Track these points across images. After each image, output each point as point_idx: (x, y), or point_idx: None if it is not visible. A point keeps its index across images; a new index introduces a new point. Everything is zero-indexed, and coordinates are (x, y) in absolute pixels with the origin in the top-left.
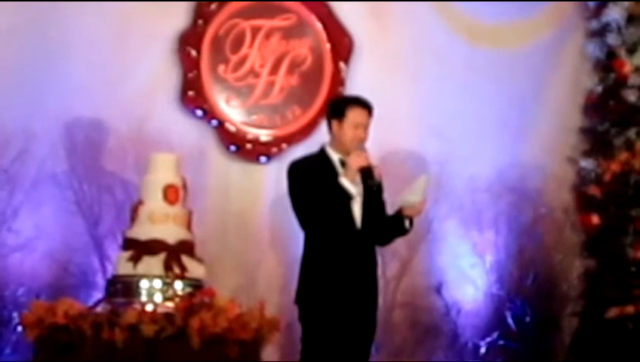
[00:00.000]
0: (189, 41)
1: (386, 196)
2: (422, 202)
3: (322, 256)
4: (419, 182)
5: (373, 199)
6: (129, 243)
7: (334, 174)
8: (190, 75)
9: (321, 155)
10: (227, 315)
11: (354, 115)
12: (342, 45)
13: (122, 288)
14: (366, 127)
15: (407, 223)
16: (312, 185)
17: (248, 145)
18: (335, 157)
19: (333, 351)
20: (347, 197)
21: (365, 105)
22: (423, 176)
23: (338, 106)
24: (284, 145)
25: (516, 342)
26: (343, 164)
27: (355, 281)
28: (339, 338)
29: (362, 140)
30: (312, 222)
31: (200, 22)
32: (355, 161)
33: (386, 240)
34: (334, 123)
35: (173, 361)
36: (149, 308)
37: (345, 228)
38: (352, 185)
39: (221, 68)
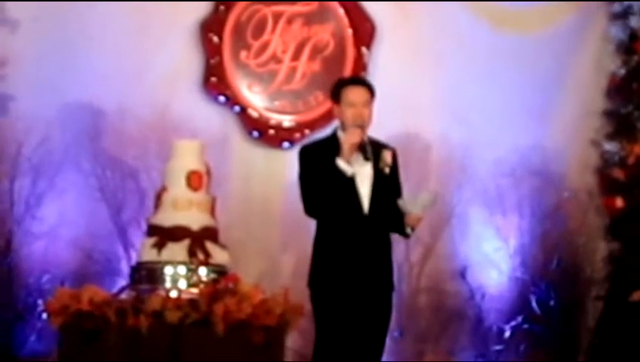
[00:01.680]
0: (210, 28)
1: (410, 182)
2: (417, 217)
3: (330, 240)
4: (423, 197)
5: (385, 182)
6: (153, 230)
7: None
8: (212, 61)
9: (333, 138)
10: (251, 301)
11: (347, 94)
12: (364, 30)
13: (146, 275)
14: (364, 105)
15: (408, 229)
16: (315, 167)
17: (271, 131)
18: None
19: (345, 335)
20: (347, 178)
21: (358, 83)
22: (427, 194)
23: (335, 91)
24: (306, 131)
25: (540, 326)
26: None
27: (363, 265)
28: (349, 323)
29: (359, 117)
30: (311, 205)
31: (222, 8)
32: (347, 139)
33: (393, 231)
34: (336, 108)
35: (197, 347)
36: (174, 294)
37: (349, 211)
38: (347, 165)
39: (243, 54)
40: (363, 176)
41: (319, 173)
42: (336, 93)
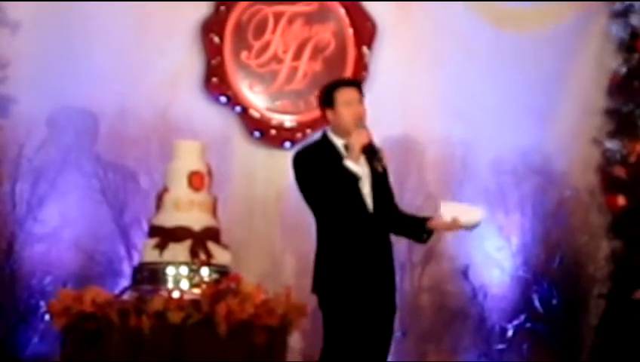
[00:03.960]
0: (211, 28)
1: (410, 180)
2: (450, 226)
3: (337, 242)
4: (477, 213)
5: (380, 182)
6: (155, 231)
7: (339, 159)
8: (213, 61)
9: (324, 141)
10: (253, 301)
11: (341, 94)
12: (365, 30)
13: (148, 275)
14: (359, 102)
15: (425, 236)
16: (320, 171)
17: (272, 131)
18: (339, 142)
19: (355, 335)
20: (354, 179)
21: (349, 83)
22: (481, 211)
23: (325, 96)
24: (308, 131)
25: (543, 325)
26: (347, 148)
27: (370, 265)
28: (359, 323)
29: (360, 115)
30: (324, 208)
31: (222, 8)
32: (357, 140)
33: (397, 233)
34: (329, 113)
35: (200, 347)
36: (176, 294)
37: (357, 211)
38: (357, 166)
39: (244, 54)
40: (364, 176)
41: (325, 176)
42: (327, 97)
